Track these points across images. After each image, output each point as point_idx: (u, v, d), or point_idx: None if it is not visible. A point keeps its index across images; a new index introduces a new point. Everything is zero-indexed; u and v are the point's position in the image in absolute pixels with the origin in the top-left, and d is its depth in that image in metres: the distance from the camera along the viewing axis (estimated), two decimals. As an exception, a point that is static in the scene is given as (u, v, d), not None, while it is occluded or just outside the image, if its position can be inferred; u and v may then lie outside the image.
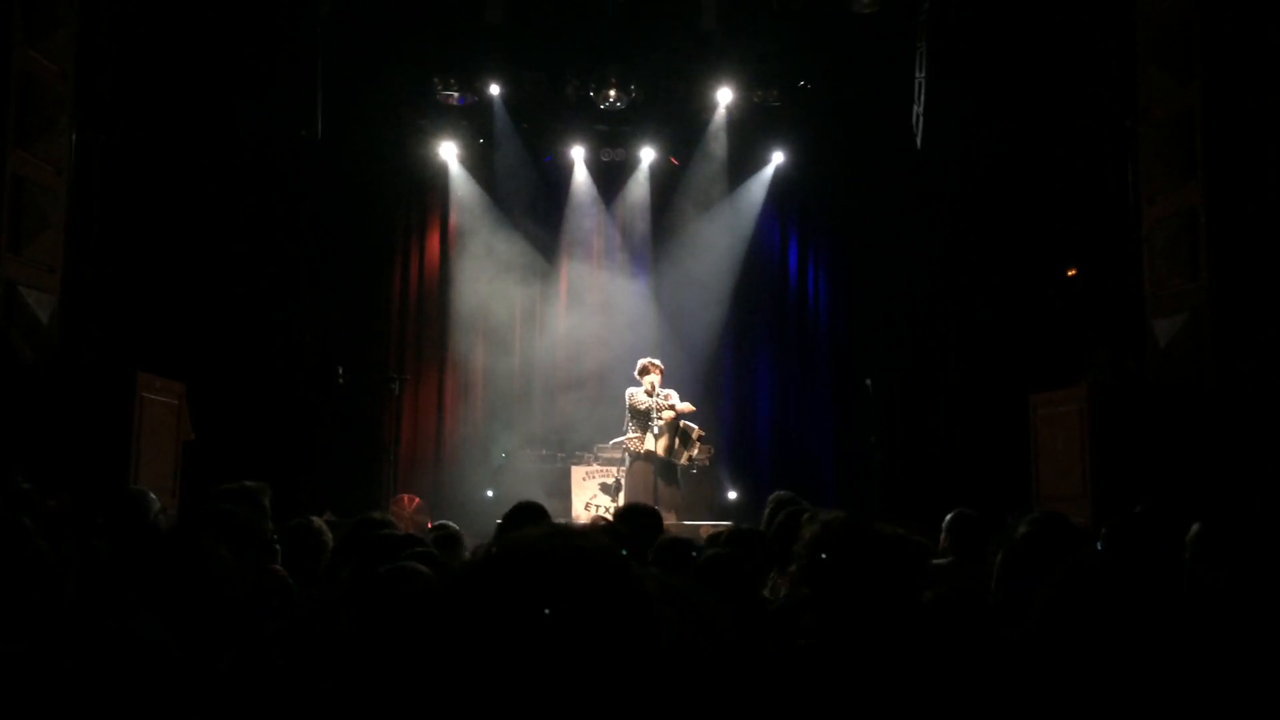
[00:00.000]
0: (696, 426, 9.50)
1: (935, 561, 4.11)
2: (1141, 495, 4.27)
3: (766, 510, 5.08)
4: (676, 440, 9.29)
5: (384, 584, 2.19)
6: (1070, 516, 4.42)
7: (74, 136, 7.63)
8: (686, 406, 9.33)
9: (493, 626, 1.12)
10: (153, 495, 3.91)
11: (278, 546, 4.06)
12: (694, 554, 3.36)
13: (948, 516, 4.39)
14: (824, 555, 2.31)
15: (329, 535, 4.09)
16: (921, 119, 9.70)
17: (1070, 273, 9.23)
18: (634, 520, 4.62)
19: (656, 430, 9.21)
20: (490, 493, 10.86)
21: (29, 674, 1.71)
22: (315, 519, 4.16)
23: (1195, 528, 3.45)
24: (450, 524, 4.59)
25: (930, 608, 2.80)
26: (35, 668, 1.72)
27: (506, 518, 4.06)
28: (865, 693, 2.07)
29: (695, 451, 9.55)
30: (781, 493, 5.31)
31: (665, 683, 1.19)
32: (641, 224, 12.34)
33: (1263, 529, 3.31)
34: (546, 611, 1.12)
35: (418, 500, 10.82)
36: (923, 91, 9.70)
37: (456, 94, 11.47)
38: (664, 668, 1.19)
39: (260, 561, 3.78)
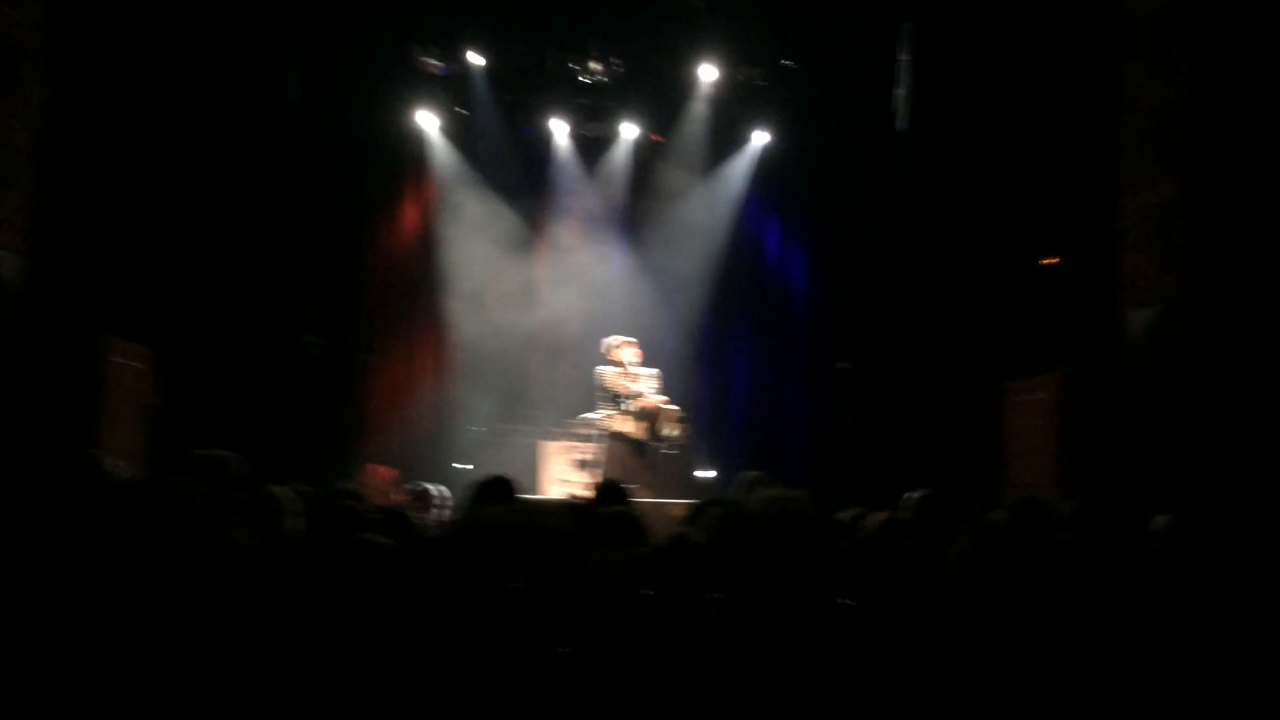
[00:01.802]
0: (675, 407, 9.46)
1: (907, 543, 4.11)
2: (1092, 481, 4.27)
3: (735, 489, 5.07)
4: (650, 423, 9.26)
5: (344, 556, 2.15)
6: (1041, 502, 4.42)
7: (45, 95, 7.48)
8: (660, 400, 9.28)
9: (451, 600, 1.10)
10: (110, 460, 3.84)
11: (243, 515, 4.00)
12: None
13: (914, 495, 4.34)
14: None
15: (290, 504, 4.04)
16: (904, 102, 9.67)
17: (1051, 261, 9.25)
18: (607, 500, 4.60)
19: (629, 411, 9.20)
20: (462, 465, 10.80)
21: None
22: (276, 487, 4.11)
23: (1163, 520, 3.45)
24: (422, 484, 4.55)
25: (894, 591, 2.79)
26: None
27: (475, 492, 4.02)
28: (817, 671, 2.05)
29: (672, 431, 9.49)
30: (752, 472, 5.31)
31: (622, 661, 1.17)
32: (620, 200, 12.26)
33: (1233, 521, 3.32)
34: (507, 587, 1.10)
35: (390, 471, 10.77)
36: (906, 74, 9.67)
37: (437, 62, 11.35)
38: (621, 647, 1.18)
39: (224, 529, 3.74)
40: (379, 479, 10.61)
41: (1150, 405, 6.77)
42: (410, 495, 4.81)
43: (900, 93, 9.75)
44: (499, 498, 3.55)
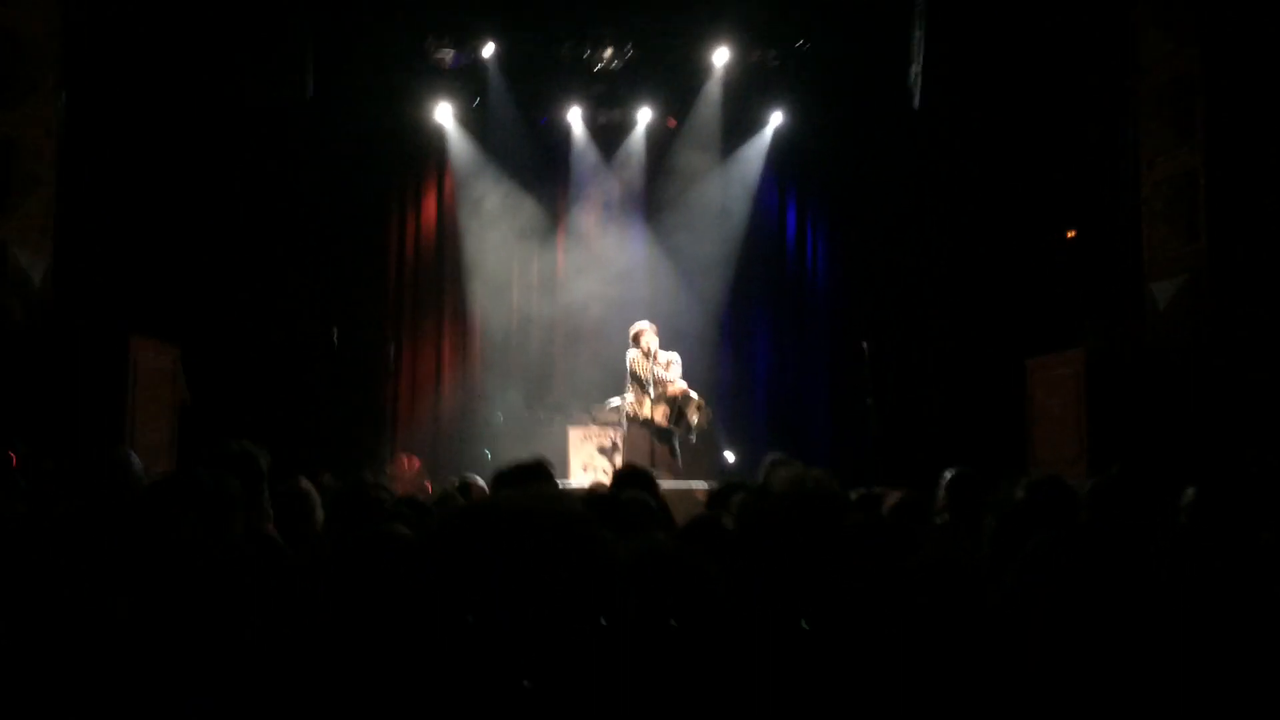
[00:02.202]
0: (696, 395, 9.46)
1: (936, 521, 4.11)
2: (1121, 458, 4.26)
3: (761, 472, 5.08)
4: (675, 409, 9.28)
5: (363, 547, 2.18)
6: (1066, 480, 4.41)
7: (64, 97, 7.55)
8: (681, 386, 9.29)
9: (460, 583, 1.12)
10: (136, 457, 3.90)
11: (270, 509, 4.05)
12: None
13: (947, 475, 4.35)
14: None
15: (317, 497, 4.09)
16: (919, 78, 9.61)
17: (1070, 234, 9.18)
18: (629, 483, 4.61)
19: (654, 397, 9.22)
20: (488, 453, 10.86)
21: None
22: (304, 481, 4.16)
23: (1190, 493, 3.44)
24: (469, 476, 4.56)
25: (916, 571, 2.79)
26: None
27: (504, 475, 3.98)
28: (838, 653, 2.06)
29: (694, 419, 9.48)
30: (776, 455, 5.32)
31: (632, 645, 1.19)
32: (639, 185, 12.25)
33: (1258, 493, 3.30)
34: (514, 573, 1.12)
35: (417, 461, 10.85)
36: (921, 50, 9.61)
37: (450, 55, 11.37)
38: (630, 632, 1.19)
39: (251, 525, 3.78)
40: (407, 469, 10.69)
41: (1175, 378, 6.73)
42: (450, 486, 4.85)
43: (915, 69, 9.68)
44: (537, 480, 3.55)
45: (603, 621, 1.14)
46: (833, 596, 2.27)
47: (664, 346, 9.54)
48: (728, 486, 4.34)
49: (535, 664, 1.09)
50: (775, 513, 2.35)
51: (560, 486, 8.17)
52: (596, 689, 1.14)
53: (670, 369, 9.36)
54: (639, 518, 3.11)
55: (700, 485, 8.56)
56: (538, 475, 3.82)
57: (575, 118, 11.98)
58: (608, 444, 9.88)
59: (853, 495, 4.47)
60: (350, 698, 1.79)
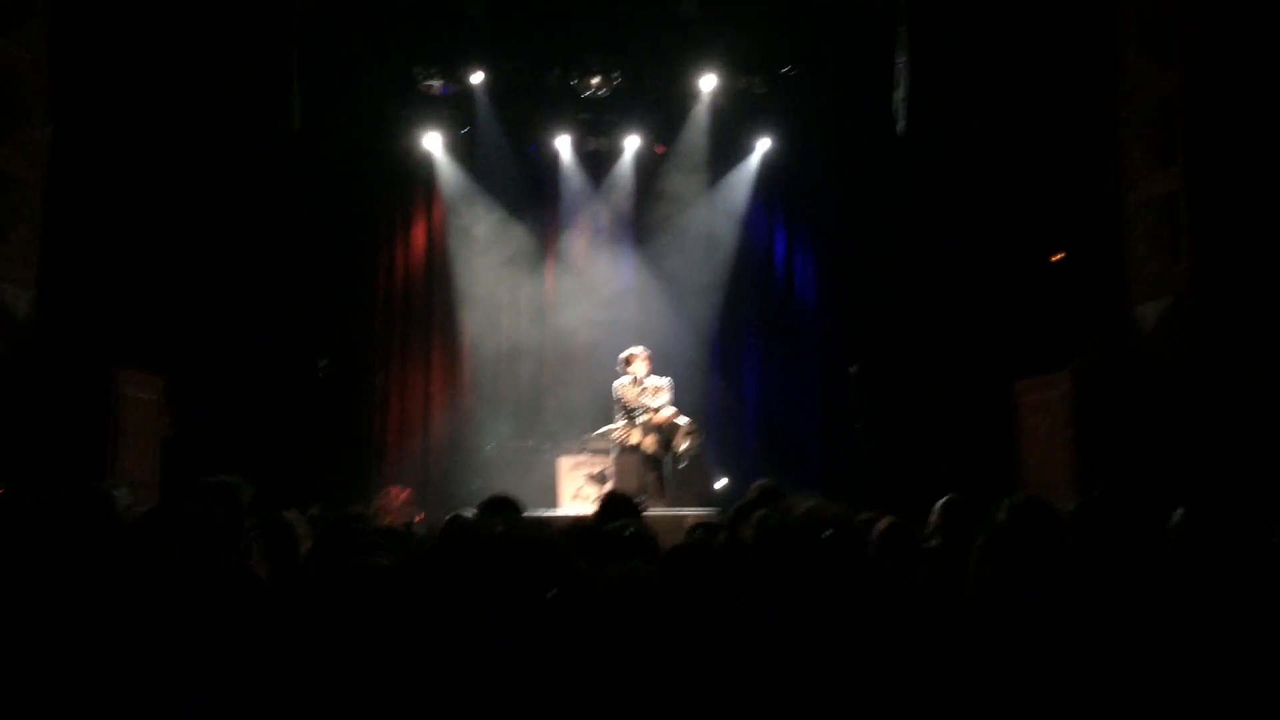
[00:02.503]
0: (686, 420, 9.42)
1: (926, 546, 4.11)
2: (1106, 479, 4.25)
3: (750, 496, 5.06)
4: (663, 438, 9.24)
5: (343, 579, 2.16)
6: (1056, 502, 4.40)
7: (50, 129, 7.54)
8: (669, 413, 9.25)
9: (437, 606, 1.11)
10: (120, 491, 3.87)
11: (256, 542, 4.02)
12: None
13: (940, 501, 4.35)
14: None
15: (303, 529, 4.05)
16: (903, 104, 9.67)
17: (1055, 258, 9.22)
18: (611, 511, 4.59)
19: (642, 425, 9.19)
20: (479, 483, 10.82)
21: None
22: (288, 513, 4.12)
23: (1179, 513, 3.42)
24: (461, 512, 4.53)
25: (901, 596, 2.77)
26: None
27: (480, 510, 4.02)
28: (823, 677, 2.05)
29: (684, 445, 9.42)
30: (764, 481, 5.30)
31: (610, 668, 1.18)
32: (627, 212, 12.28)
33: (1247, 514, 3.29)
34: (490, 597, 1.11)
35: (407, 492, 10.80)
36: (905, 76, 9.68)
37: (438, 84, 11.41)
38: (609, 655, 1.18)
39: (234, 558, 3.75)
40: (397, 500, 10.64)
41: (1162, 398, 6.74)
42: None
43: (899, 95, 9.75)
44: (505, 513, 3.56)
45: (579, 642, 1.13)
46: (830, 616, 2.26)
47: (655, 372, 9.52)
48: (750, 504, 4.33)
49: (513, 687, 1.08)
50: (795, 533, 2.35)
51: (546, 516, 8.14)
52: (575, 712, 1.13)
53: (659, 395, 9.34)
54: (620, 547, 3.08)
55: (690, 512, 8.53)
56: (505, 509, 3.82)
57: (564, 145, 12.03)
58: (597, 472, 9.85)
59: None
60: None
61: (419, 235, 12.30)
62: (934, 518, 4.45)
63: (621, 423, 9.34)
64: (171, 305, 9.44)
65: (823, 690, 2.11)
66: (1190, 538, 3.29)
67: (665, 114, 11.83)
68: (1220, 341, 6.76)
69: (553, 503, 9.94)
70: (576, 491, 10.13)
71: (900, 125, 9.82)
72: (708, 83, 11.48)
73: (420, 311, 12.17)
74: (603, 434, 9.74)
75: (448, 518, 4.34)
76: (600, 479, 9.74)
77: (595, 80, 11.30)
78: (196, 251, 9.76)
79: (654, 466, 9.25)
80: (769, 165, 12.13)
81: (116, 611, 2.01)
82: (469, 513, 5.69)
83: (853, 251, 11.76)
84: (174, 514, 2.66)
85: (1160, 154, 7.18)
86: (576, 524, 4.29)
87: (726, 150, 12.06)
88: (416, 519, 9.92)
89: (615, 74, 11.35)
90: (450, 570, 1.15)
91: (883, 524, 4.02)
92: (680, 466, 9.68)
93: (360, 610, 1.88)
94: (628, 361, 9.37)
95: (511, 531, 1.19)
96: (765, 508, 4.29)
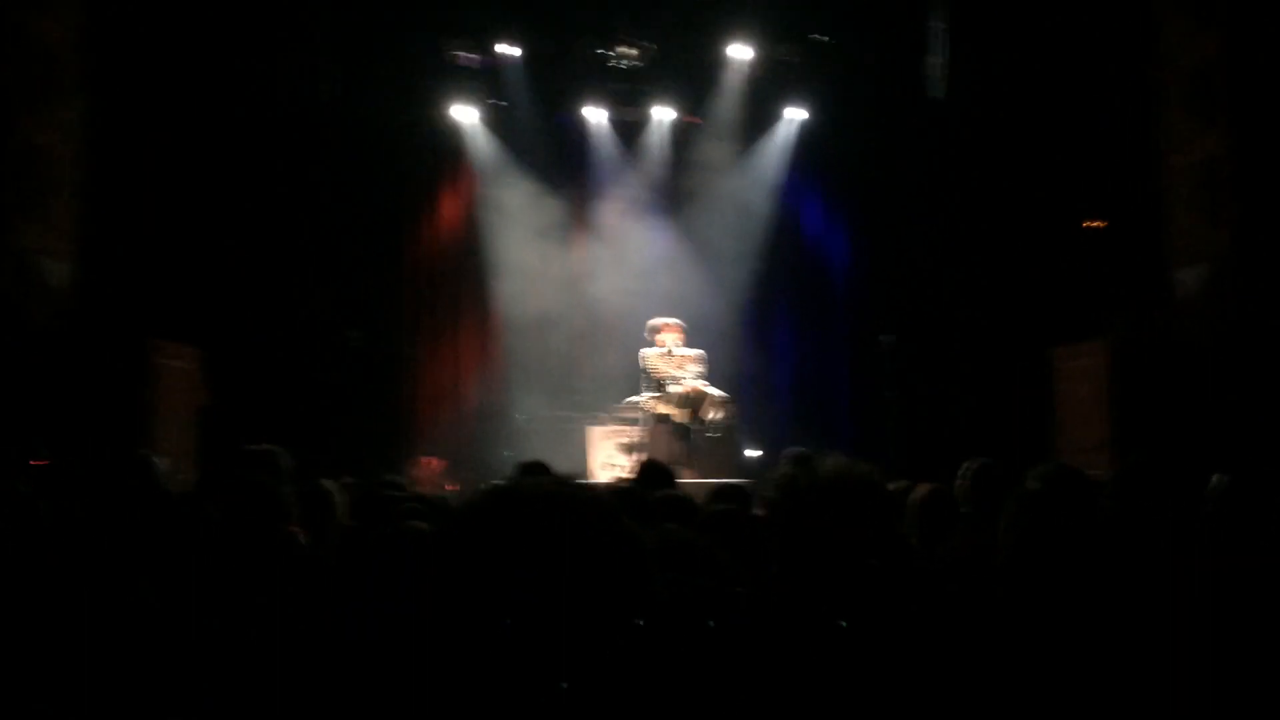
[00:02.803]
0: (716, 391, 9.38)
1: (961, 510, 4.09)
2: (1141, 446, 4.20)
3: (781, 464, 5.07)
4: (692, 408, 9.19)
5: (382, 543, 2.18)
6: (1091, 470, 4.36)
7: (87, 103, 7.60)
8: (702, 385, 9.19)
9: (480, 567, 1.10)
10: (159, 459, 3.92)
11: (294, 509, 4.07)
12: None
13: (969, 465, 4.32)
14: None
15: (340, 497, 4.10)
16: (939, 70, 9.54)
17: (1094, 225, 9.10)
18: (649, 478, 4.62)
19: (674, 397, 9.15)
20: (509, 452, 10.87)
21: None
22: (326, 481, 4.16)
23: (1218, 479, 3.39)
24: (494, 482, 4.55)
25: (938, 563, 2.77)
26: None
27: (512, 476, 4.04)
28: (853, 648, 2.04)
29: (710, 415, 9.37)
30: (796, 448, 5.30)
31: (656, 630, 1.17)
32: (659, 183, 12.23)
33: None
34: (539, 554, 1.10)
35: (438, 462, 10.87)
36: (941, 42, 9.54)
37: (471, 55, 11.38)
38: (655, 616, 1.17)
39: (275, 524, 3.80)
40: (429, 470, 10.71)
41: (1202, 366, 6.65)
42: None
43: (935, 61, 9.61)
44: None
45: (633, 612, 1.12)
46: (859, 581, 2.25)
47: (689, 343, 9.48)
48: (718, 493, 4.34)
49: (565, 652, 1.07)
50: (817, 492, 2.33)
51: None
52: (627, 677, 1.12)
53: (687, 367, 9.28)
54: (670, 514, 3.10)
55: (720, 482, 8.53)
56: (540, 475, 3.82)
57: (596, 115, 11.97)
58: (628, 441, 9.85)
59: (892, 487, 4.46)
60: (376, 688, 1.79)
61: (451, 206, 12.32)
62: (963, 483, 4.42)
63: (650, 393, 9.33)
64: (206, 277, 9.53)
65: (851, 657, 2.11)
66: (1230, 503, 3.26)
67: (698, 84, 11.74)
68: (1261, 308, 6.66)
69: (583, 472, 9.96)
70: (607, 460, 10.15)
71: (936, 91, 9.69)
72: (740, 51, 11.37)
73: (452, 282, 12.20)
74: (632, 404, 9.73)
75: (483, 485, 4.36)
76: (631, 449, 9.75)
77: (627, 50, 11.23)
78: (230, 223, 9.84)
79: (684, 436, 9.23)
80: (802, 134, 12.02)
81: (161, 575, 2.04)
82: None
83: (886, 220, 11.65)
84: (224, 480, 2.69)
85: (1202, 117, 7.06)
86: (615, 488, 4.32)
87: (759, 119, 11.96)
88: (449, 488, 9.99)
89: (647, 43, 11.28)
90: (496, 529, 1.14)
91: (922, 491, 4.00)
92: (710, 435, 9.66)
93: (399, 573, 1.89)
94: (656, 331, 9.33)
95: (559, 488, 1.18)
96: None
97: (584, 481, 1.31)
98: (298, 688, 2.11)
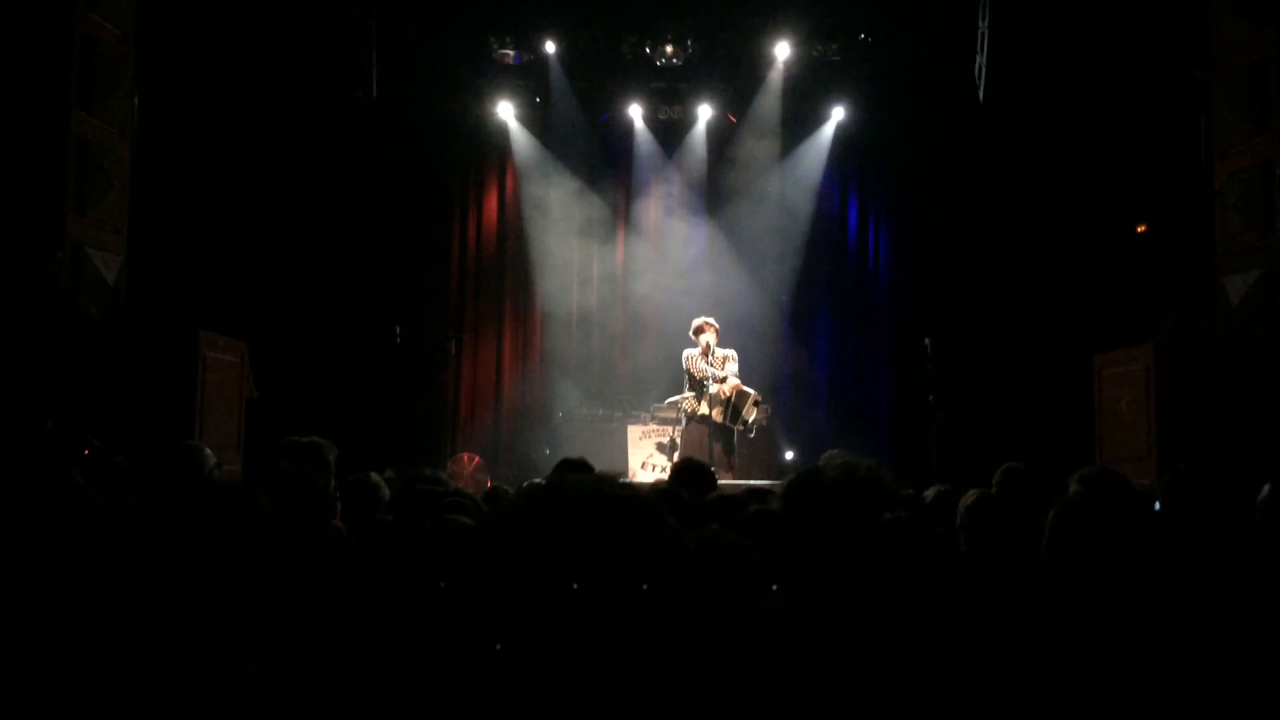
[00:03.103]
0: (753, 391, 9.34)
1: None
2: (1190, 452, 4.16)
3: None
4: (731, 408, 9.15)
5: (427, 536, 2.21)
6: (1134, 478, 4.33)
7: (136, 99, 7.73)
8: (736, 382, 9.14)
9: (523, 564, 1.11)
10: (208, 450, 3.98)
11: (338, 501, 4.13)
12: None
13: (998, 471, 4.35)
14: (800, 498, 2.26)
15: (385, 490, 4.15)
16: (984, 70, 9.45)
17: (1140, 229, 8.99)
18: (689, 477, 4.62)
19: (711, 396, 9.11)
20: (548, 450, 10.92)
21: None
22: (373, 474, 4.22)
23: (1266, 489, 3.35)
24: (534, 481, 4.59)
25: (979, 561, 2.75)
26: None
27: (553, 472, 4.07)
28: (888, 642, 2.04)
29: (752, 415, 9.34)
30: (834, 451, 5.27)
31: (697, 633, 1.17)
32: (700, 182, 12.24)
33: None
34: (574, 550, 1.10)
35: (477, 459, 10.94)
36: (986, 42, 9.45)
37: (512, 53, 11.44)
38: (697, 618, 1.18)
39: (320, 515, 3.85)
40: (467, 466, 10.79)
41: (1248, 374, 6.55)
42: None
43: (980, 61, 9.53)
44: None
45: (670, 602, 1.12)
46: (878, 580, 2.25)
47: (725, 343, 9.45)
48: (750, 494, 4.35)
49: (606, 647, 1.08)
50: (822, 494, 2.33)
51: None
52: (667, 676, 1.13)
53: (726, 365, 9.25)
54: (704, 511, 3.10)
55: (758, 484, 8.52)
56: (580, 472, 3.84)
57: (636, 114, 12.00)
58: (666, 441, 9.87)
59: (928, 493, 4.48)
60: (420, 682, 1.81)
61: (492, 204, 12.40)
62: (995, 488, 4.42)
63: (690, 393, 9.32)
64: (253, 271, 9.66)
65: (879, 660, 2.10)
66: (1277, 512, 3.21)
67: (739, 82, 11.74)
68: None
69: (622, 471, 9.98)
70: (646, 460, 10.17)
71: (980, 92, 9.60)
72: (782, 50, 11.35)
73: (493, 280, 12.28)
74: (672, 403, 9.74)
75: (526, 483, 4.39)
76: (669, 448, 9.76)
77: (669, 49, 11.24)
78: (277, 218, 9.96)
79: (721, 437, 9.22)
80: (844, 133, 11.98)
81: (211, 562, 2.07)
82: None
83: (929, 221, 11.58)
84: (273, 470, 2.74)
85: (1254, 120, 6.94)
86: (656, 487, 4.33)
87: (801, 118, 11.94)
88: (488, 484, 10.05)
89: (688, 42, 11.28)
90: (539, 526, 1.15)
91: (970, 497, 4.00)
92: (749, 437, 9.65)
93: (444, 566, 1.92)
94: (698, 331, 9.32)
95: (600, 486, 1.19)
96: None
97: (626, 480, 1.31)
98: (337, 679, 2.14)
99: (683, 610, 1.15)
